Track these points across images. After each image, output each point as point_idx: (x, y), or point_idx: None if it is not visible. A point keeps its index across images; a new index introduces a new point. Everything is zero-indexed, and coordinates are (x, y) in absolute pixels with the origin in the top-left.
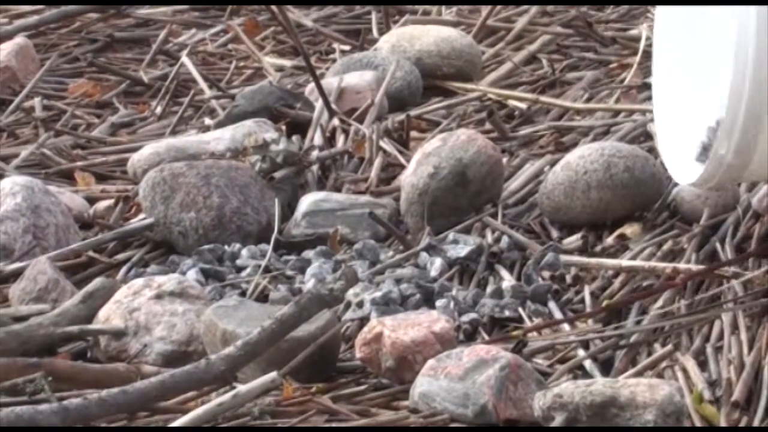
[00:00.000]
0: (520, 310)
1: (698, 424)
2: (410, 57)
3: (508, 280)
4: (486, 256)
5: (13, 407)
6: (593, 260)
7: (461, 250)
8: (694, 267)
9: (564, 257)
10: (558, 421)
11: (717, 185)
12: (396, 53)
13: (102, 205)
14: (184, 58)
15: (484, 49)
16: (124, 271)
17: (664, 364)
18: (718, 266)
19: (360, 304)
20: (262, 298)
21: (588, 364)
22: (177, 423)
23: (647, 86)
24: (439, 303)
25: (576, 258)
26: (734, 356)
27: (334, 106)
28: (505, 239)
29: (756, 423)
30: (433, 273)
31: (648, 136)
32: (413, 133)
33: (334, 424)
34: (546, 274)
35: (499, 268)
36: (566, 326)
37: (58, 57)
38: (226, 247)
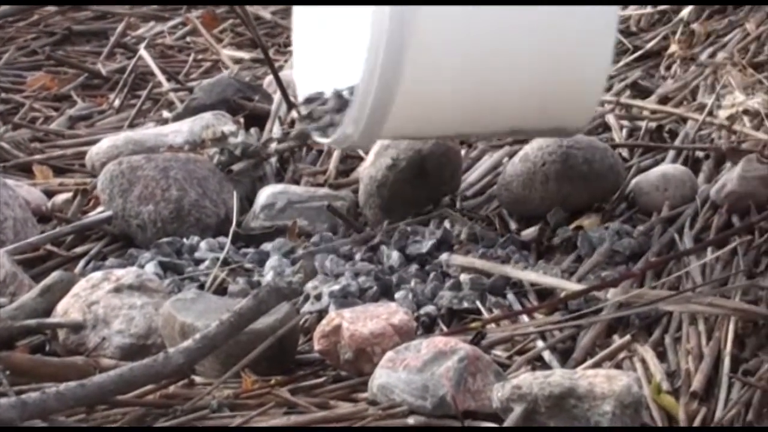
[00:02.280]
0: (478, 302)
1: (657, 414)
2: None
3: (466, 272)
4: (445, 249)
5: None
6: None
7: (420, 245)
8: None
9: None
10: (516, 412)
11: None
12: None
13: (60, 198)
14: (142, 51)
15: None
16: (83, 265)
17: (622, 354)
18: (677, 256)
19: (318, 297)
20: (221, 291)
21: (547, 355)
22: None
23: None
24: (397, 295)
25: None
26: (693, 347)
27: (292, 99)
28: (464, 231)
29: (717, 414)
30: (392, 265)
31: (606, 128)
32: None
33: (293, 417)
34: None
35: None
36: (525, 318)
37: (16, 50)
38: (184, 240)
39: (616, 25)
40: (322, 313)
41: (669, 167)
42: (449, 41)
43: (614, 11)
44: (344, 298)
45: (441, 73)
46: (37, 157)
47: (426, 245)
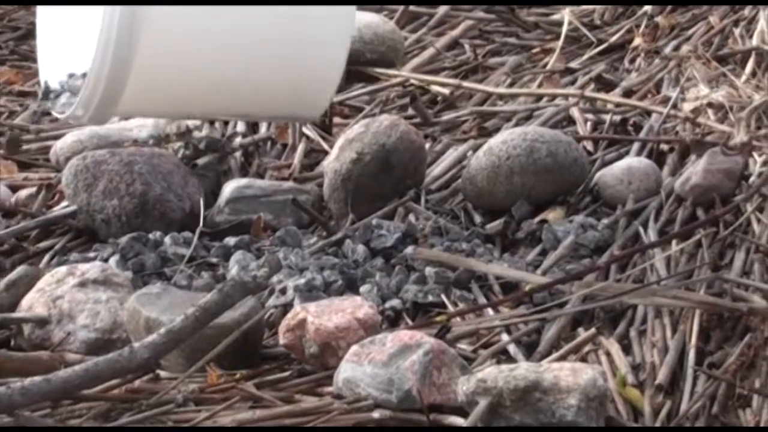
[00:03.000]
0: (443, 296)
1: (622, 407)
2: None
3: (431, 266)
4: (410, 242)
5: None
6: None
7: (385, 238)
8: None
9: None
10: (482, 405)
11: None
12: None
13: (24, 193)
14: None
15: (407, 34)
16: (47, 259)
17: (587, 347)
18: (641, 249)
19: (283, 291)
20: (186, 285)
21: (512, 348)
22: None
23: (570, 71)
24: (362, 289)
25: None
26: (658, 339)
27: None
28: (428, 225)
29: (682, 407)
30: (357, 259)
31: (571, 121)
32: (336, 119)
33: (258, 411)
34: None
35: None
36: (490, 311)
37: None
38: (149, 234)
39: (353, 26)
40: (287, 307)
41: (633, 160)
42: (181, 35)
43: (351, 13)
44: (309, 292)
45: (172, 63)
46: (1, 152)
47: (391, 239)
